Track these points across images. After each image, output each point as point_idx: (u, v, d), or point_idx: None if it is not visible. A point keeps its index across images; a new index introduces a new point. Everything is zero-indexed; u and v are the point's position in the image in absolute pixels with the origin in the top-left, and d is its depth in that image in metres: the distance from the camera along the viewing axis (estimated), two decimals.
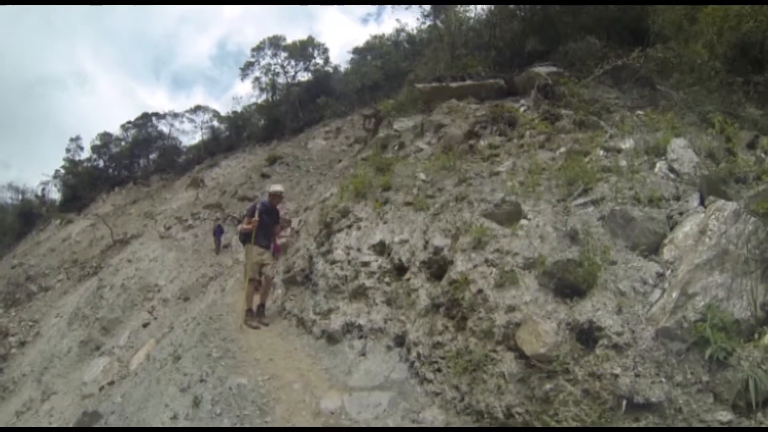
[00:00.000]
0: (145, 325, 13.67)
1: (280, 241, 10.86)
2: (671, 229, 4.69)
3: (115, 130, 53.28)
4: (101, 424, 6.12)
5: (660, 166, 5.92)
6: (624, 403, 3.37)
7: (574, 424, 3.50)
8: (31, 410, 12.89)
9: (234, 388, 5.39)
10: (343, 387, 5.35)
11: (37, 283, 25.68)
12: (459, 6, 19.07)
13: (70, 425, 8.40)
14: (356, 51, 43.73)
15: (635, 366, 3.50)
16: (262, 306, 8.00)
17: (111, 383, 10.28)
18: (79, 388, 11.94)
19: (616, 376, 3.48)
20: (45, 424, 11.24)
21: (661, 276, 4.12)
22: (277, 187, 8.89)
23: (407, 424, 4.48)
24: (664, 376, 3.38)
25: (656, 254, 4.49)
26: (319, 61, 44.74)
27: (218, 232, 20.07)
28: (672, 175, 5.68)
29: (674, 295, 3.72)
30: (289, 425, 4.78)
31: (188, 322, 8.92)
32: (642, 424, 3.29)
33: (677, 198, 5.22)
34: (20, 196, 52.22)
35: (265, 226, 8.14)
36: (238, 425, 4.84)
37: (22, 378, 15.68)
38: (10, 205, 51.90)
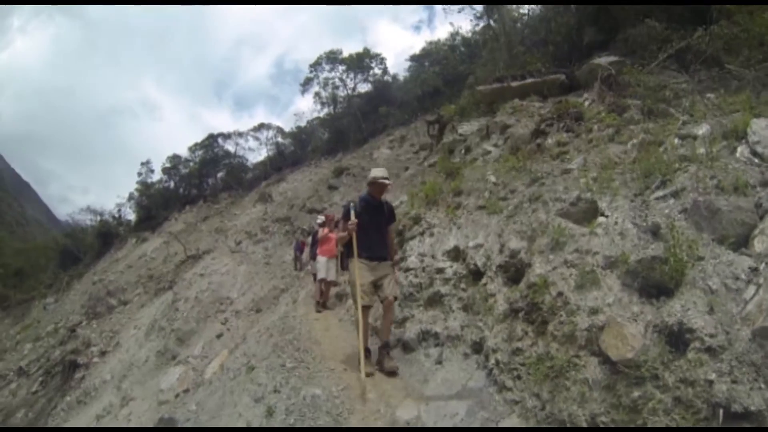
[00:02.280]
0: (218, 336, 14.07)
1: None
2: (761, 218, 4.30)
3: (184, 152, 55.60)
4: None
5: (741, 150, 5.46)
6: (720, 412, 3.06)
7: None
8: (111, 414, 13.57)
9: (308, 399, 5.42)
10: (419, 396, 5.27)
11: (116, 298, 26.97)
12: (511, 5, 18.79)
13: None
14: (413, 58, 43.77)
15: (731, 371, 3.17)
16: (386, 345, 6.03)
17: (186, 391, 10.67)
18: (156, 394, 12.45)
19: (711, 382, 3.17)
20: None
21: (754, 270, 3.76)
22: (379, 172, 6.33)
23: None
24: (764, 381, 3.05)
25: (746, 247, 4.12)
26: (377, 71, 45.31)
27: (297, 247, 19.21)
28: (756, 160, 5.24)
29: None
30: None
31: (261, 333, 9.09)
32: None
33: (764, 184, 4.80)
34: (98, 218, 55.09)
35: (368, 229, 6.06)
36: None
37: (103, 385, 16.50)
38: (89, 226, 54.81)
